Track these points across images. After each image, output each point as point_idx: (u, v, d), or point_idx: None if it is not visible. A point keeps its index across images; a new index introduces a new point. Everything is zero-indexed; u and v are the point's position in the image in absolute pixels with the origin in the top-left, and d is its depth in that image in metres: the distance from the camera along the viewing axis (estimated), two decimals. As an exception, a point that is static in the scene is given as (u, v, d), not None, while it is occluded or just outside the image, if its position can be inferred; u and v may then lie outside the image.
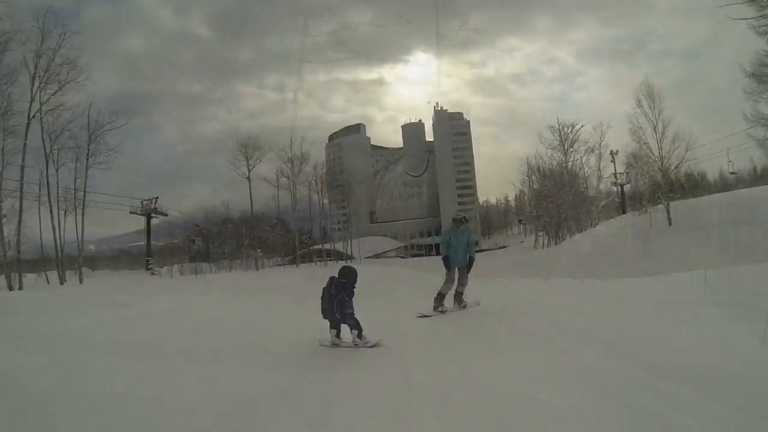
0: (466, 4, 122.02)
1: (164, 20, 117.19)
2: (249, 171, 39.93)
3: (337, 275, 5.41)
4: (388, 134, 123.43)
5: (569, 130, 33.45)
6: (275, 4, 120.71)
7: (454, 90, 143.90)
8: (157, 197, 38.39)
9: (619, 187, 35.05)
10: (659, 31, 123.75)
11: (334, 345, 5.32)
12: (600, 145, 33.50)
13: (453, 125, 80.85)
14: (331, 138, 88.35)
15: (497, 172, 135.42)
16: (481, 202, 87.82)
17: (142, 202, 37.89)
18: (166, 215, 39.61)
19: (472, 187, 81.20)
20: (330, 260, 42.61)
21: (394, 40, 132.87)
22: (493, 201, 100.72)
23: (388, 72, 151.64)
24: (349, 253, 44.75)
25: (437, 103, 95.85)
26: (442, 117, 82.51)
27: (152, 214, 38.28)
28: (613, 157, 33.76)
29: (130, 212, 37.06)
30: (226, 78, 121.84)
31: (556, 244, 29.77)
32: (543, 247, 32.36)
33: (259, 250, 41.10)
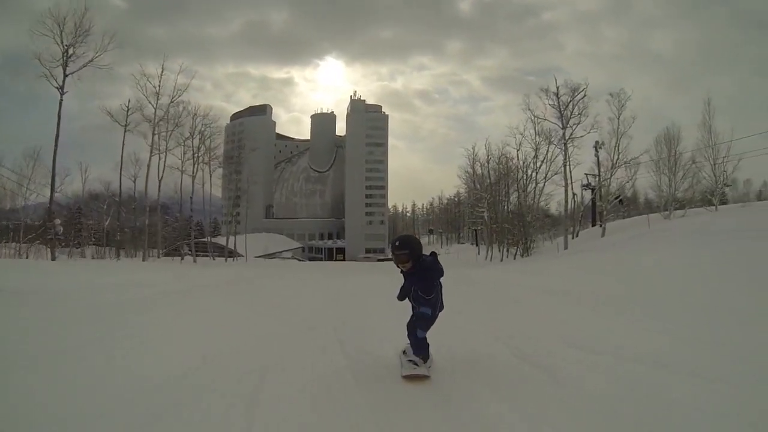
0: (382, 17, 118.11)
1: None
2: (65, 74, 23.49)
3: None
4: (291, 135, 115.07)
5: (573, 95, 24.51)
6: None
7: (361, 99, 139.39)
8: None
9: (590, 189, 30.01)
10: (565, 69, 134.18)
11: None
12: (619, 118, 24.61)
13: (369, 117, 73.29)
14: (233, 117, 75.39)
15: (398, 184, 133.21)
16: (389, 208, 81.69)
17: None
18: None
19: (384, 188, 74.22)
20: (203, 255, 31.06)
21: (307, 43, 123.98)
22: (399, 209, 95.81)
23: (297, 73, 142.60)
24: (234, 248, 33.38)
25: (355, 92, 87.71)
26: (359, 107, 74.54)
27: None
28: (597, 149, 27.61)
29: None
30: (137, 55, 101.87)
31: (523, 255, 22.93)
32: (504, 258, 25.23)
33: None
